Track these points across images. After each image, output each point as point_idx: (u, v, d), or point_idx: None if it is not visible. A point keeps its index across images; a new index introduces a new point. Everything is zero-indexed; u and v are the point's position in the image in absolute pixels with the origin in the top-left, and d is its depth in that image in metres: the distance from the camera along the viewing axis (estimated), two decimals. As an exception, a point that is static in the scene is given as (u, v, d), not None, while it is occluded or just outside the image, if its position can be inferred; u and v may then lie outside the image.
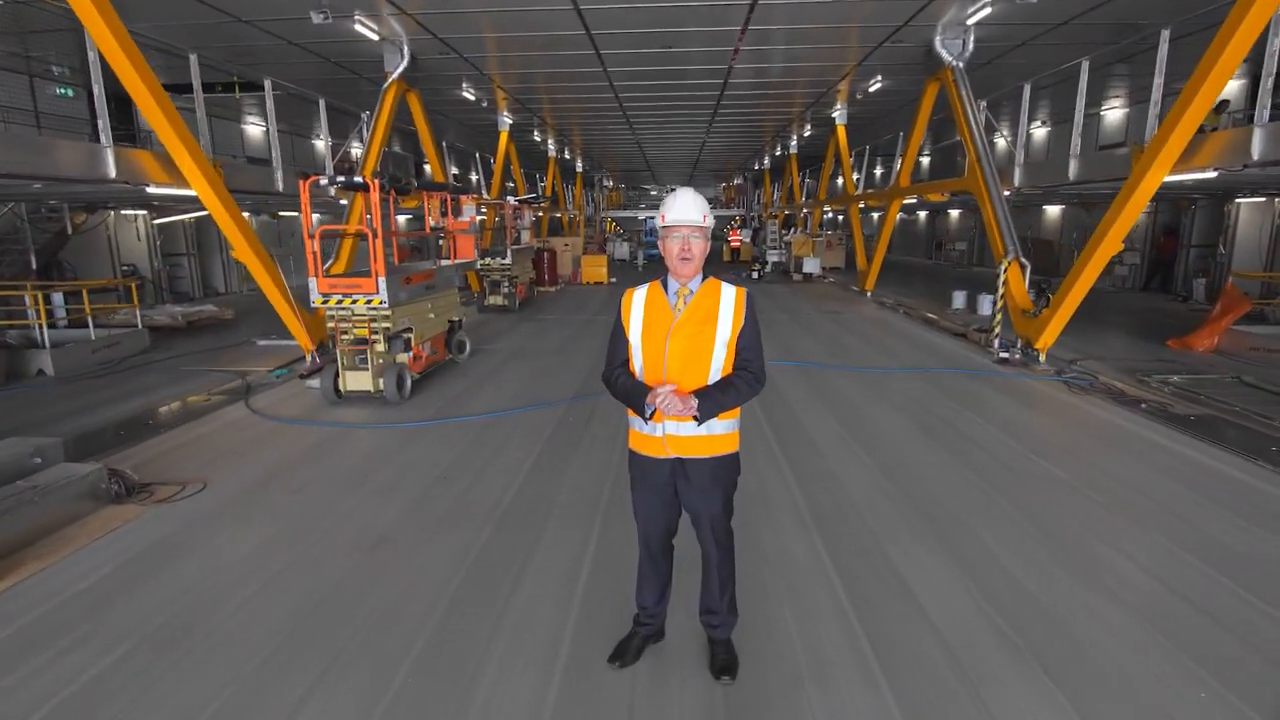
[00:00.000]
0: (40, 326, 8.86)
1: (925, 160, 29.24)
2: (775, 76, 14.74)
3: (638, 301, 2.65)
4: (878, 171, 29.82)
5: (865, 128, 20.84)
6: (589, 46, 11.71)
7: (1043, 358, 8.75)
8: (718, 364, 2.56)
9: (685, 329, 2.54)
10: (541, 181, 28.46)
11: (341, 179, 6.48)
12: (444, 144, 19.62)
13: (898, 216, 15.68)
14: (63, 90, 13.44)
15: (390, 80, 11.46)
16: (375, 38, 10.79)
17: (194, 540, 4.17)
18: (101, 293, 12.55)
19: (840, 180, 25.69)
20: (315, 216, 20.24)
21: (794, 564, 3.75)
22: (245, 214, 18.60)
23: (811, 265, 21.19)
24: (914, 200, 17.92)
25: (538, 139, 22.95)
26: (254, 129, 19.06)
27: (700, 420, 2.49)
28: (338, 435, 6.13)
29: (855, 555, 3.84)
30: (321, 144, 17.56)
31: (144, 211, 15.20)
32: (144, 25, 9.48)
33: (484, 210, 16.86)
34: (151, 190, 7.49)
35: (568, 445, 5.73)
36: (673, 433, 2.58)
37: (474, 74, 13.84)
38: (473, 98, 15.46)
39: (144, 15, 9.06)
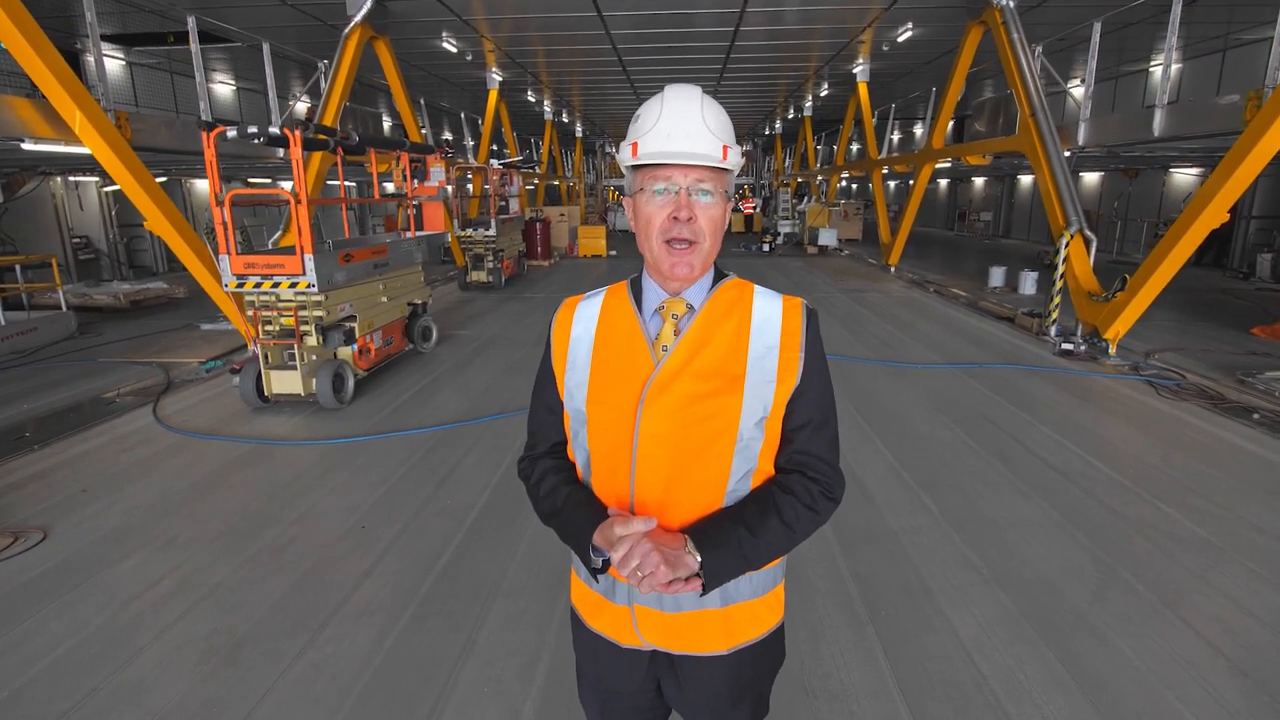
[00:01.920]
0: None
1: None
2: (790, 24, 13.10)
3: (583, 328, 1.27)
4: (895, 137, 27.98)
5: (889, 86, 19.10)
6: (581, -16, 10.18)
7: (1113, 349, 7.38)
8: (744, 465, 1.20)
9: (677, 391, 1.17)
10: (538, 146, 26.81)
11: (253, 129, 5.14)
12: (421, 101, 18.04)
13: (928, 178, 14.13)
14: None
15: (352, 24, 9.96)
16: (331, -27, 9.31)
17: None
18: (39, 268, 11.29)
19: (857, 145, 24.01)
20: (290, 185, 18.85)
21: (850, 709, 2.47)
22: (203, 182, 17.27)
23: (827, 237, 19.68)
24: (945, 164, 16.31)
25: (532, 99, 21.28)
26: (223, 88, 17.55)
27: (708, 589, 1.17)
28: (249, 456, 4.86)
29: (941, 683, 2.56)
30: (301, 105, 16.06)
31: (94, 178, 13.83)
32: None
33: (469, 176, 15.44)
34: (29, 147, 6.15)
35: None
36: (649, 605, 1.25)
37: (454, 21, 12.27)
38: (455, 50, 13.86)
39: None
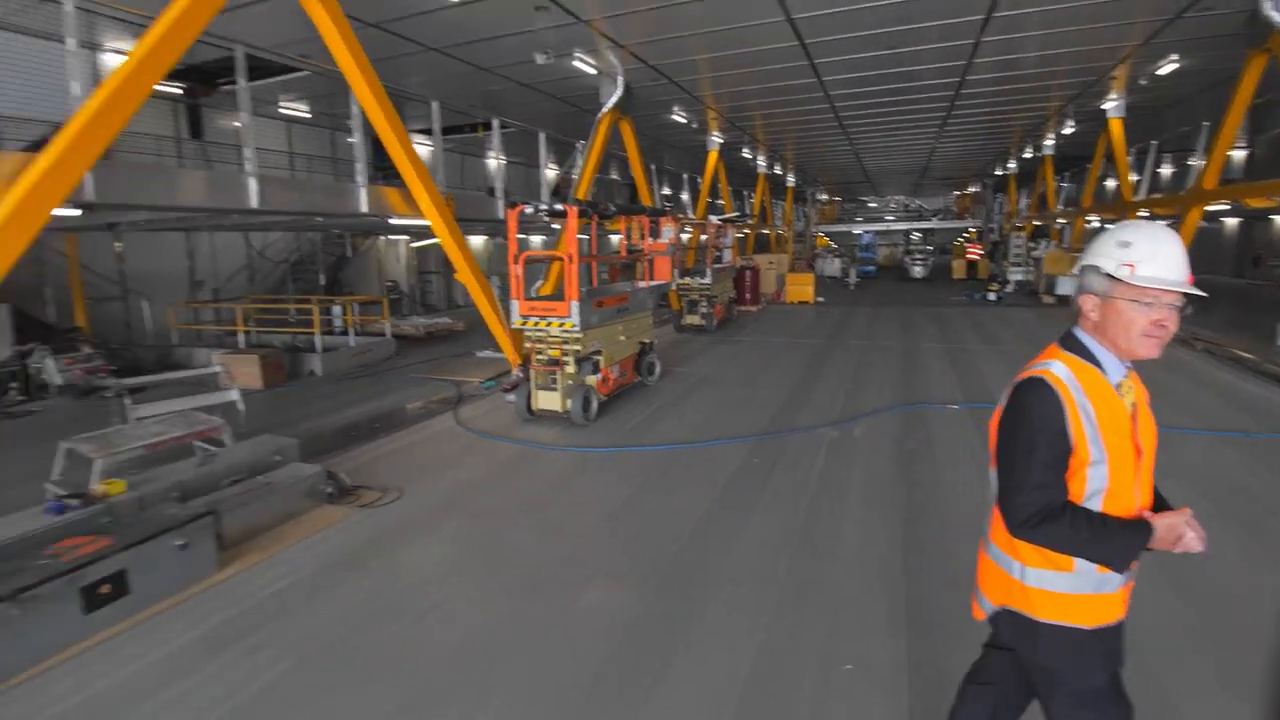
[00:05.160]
0: (316, 335, 10.59)
1: (1237, 153, 23.16)
2: (1028, 69, 12.64)
3: (1081, 399, 1.71)
4: (1164, 171, 24.47)
5: (1148, 120, 17.13)
6: (803, 58, 11.09)
7: None
8: None
9: (1146, 428, 1.80)
10: (750, 198, 28.07)
11: (543, 206, 6.70)
12: (653, 167, 20.17)
13: (1196, 224, 12.41)
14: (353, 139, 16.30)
15: (604, 110, 11.89)
16: (593, 72, 11.32)
17: (381, 552, 4.39)
18: (366, 305, 14.83)
19: (1112, 184, 21.51)
20: (539, 239, 22.18)
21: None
22: (480, 238, 21.06)
23: (1068, 285, 17.86)
24: (1225, 205, 14.14)
25: (747, 155, 22.60)
26: (495, 162, 21.37)
27: None
28: (524, 455, 6.26)
29: None
30: (547, 173, 19.09)
31: (405, 237, 17.75)
32: (411, 81, 11.05)
33: (688, 230, 16.94)
34: (394, 221, 8.50)
35: (745, 497, 5.15)
36: (1130, 578, 1.81)
37: (685, 97, 13.93)
38: (684, 120, 15.59)
39: (410, 72, 10.73)
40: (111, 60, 10.57)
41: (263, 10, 8.17)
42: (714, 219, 15.47)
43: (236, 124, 13.75)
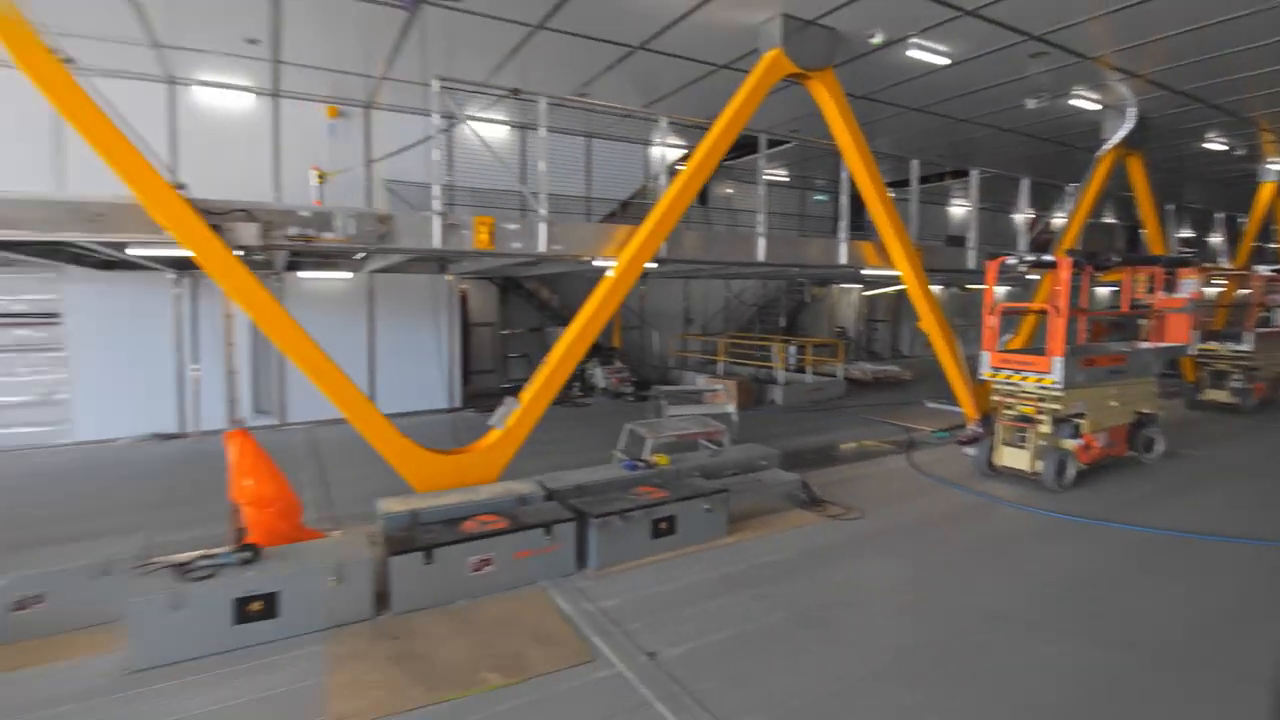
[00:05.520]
0: (779, 369, 12.20)
1: None
2: None
3: None
4: None
5: None
6: None
7: None
8: None
9: None
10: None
11: (1030, 258, 6.50)
12: (1171, 207, 16.54)
13: None
14: (819, 197, 18.11)
15: (1106, 147, 10.56)
16: (1095, 107, 10.26)
17: (848, 554, 5.07)
18: (820, 347, 16.17)
19: None
20: (1002, 290, 20.45)
21: None
22: (937, 287, 20.60)
23: None
24: None
25: (1337, 183, 16.46)
26: (955, 210, 20.70)
27: None
28: (979, 506, 6.17)
29: None
30: (1018, 218, 17.57)
31: (859, 286, 18.70)
32: (880, 141, 11.94)
33: (1218, 283, 13.40)
34: (865, 272, 9.30)
35: (1270, 610, 4.10)
36: None
37: (1225, 120, 11.25)
38: (1222, 147, 12.53)
39: (881, 133, 11.61)
40: (656, 151, 14.32)
41: (775, 100, 10.08)
42: (1262, 269, 11.91)
43: (728, 191, 16.86)
